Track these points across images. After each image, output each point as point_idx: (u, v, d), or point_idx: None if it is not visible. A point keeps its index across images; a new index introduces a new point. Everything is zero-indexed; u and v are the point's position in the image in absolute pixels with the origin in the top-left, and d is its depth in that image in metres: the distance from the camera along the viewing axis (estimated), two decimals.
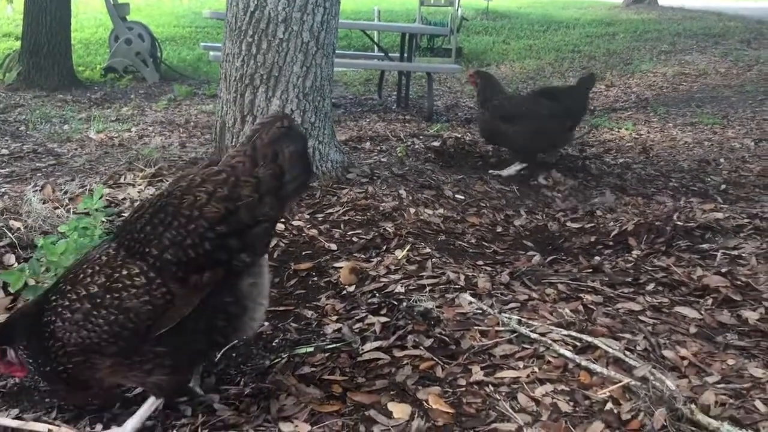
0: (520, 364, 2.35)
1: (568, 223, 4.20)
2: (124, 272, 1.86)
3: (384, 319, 2.60)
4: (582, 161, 5.76)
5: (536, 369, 2.31)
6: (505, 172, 5.19)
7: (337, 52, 12.56)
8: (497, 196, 4.55)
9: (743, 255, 3.19)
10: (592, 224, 4.13)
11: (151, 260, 1.85)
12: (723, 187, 4.93)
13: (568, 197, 4.77)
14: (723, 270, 3.04)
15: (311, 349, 2.43)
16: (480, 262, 3.26)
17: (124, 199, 3.84)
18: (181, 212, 1.84)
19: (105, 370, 1.93)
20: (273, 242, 3.35)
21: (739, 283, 2.93)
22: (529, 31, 15.72)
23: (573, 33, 15.28)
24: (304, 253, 3.31)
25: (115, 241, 1.96)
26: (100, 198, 3.23)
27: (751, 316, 2.72)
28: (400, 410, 2.12)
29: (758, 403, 2.16)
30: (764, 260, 3.11)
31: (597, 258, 3.39)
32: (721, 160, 5.72)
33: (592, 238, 3.91)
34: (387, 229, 3.56)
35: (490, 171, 5.22)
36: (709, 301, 2.83)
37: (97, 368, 1.92)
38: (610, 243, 3.80)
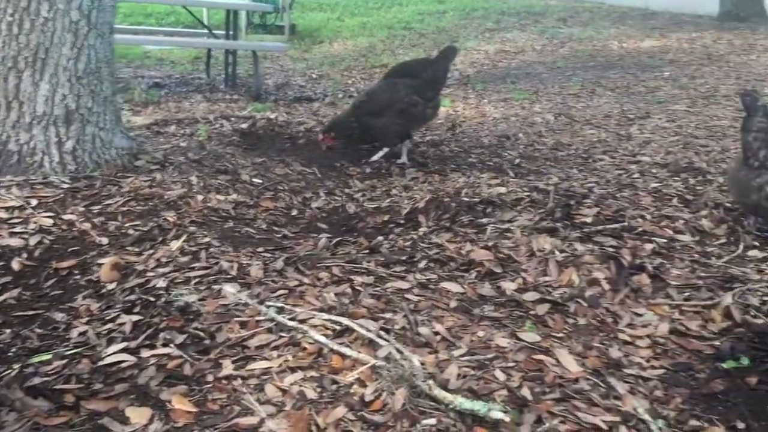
0: (274, 353, 2.31)
1: (366, 203, 4.24)
2: None
3: (137, 318, 2.46)
4: None
5: (290, 357, 2.29)
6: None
7: (164, 29, 11.90)
8: (297, 179, 4.50)
9: (511, 228, 3.36)
10: (388, 203, 4.20)
11: None
12: (517, 161, 5.18)
13: (368, 177, 4.82)
14: (489, 244, 3.18)
15: (49, 357, 2.25)
16: (261, 249, 3.20)
17: None
18: None
19: None
20: (35, 239, 3.10)
21: (501, 255, 3.08)
22: (364, 8, 15.81)
23: (405, 11, 15.53)
24: (70, 249, 3.07)
25: None
26: None
27: (509, 287, 2.86)
28: (138, 414, 2.02)
29: (498, 373, 2.26)
30: (528, 232, 3.29)
31: (380, 237, 3.44)
32: (521, 135, 6.03)
33: (386, 217, 3.97)
34: (168, 218, 3.40)
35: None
36: (473, 275, 2.95)
37: None
38: (402, 221, 3.87)
